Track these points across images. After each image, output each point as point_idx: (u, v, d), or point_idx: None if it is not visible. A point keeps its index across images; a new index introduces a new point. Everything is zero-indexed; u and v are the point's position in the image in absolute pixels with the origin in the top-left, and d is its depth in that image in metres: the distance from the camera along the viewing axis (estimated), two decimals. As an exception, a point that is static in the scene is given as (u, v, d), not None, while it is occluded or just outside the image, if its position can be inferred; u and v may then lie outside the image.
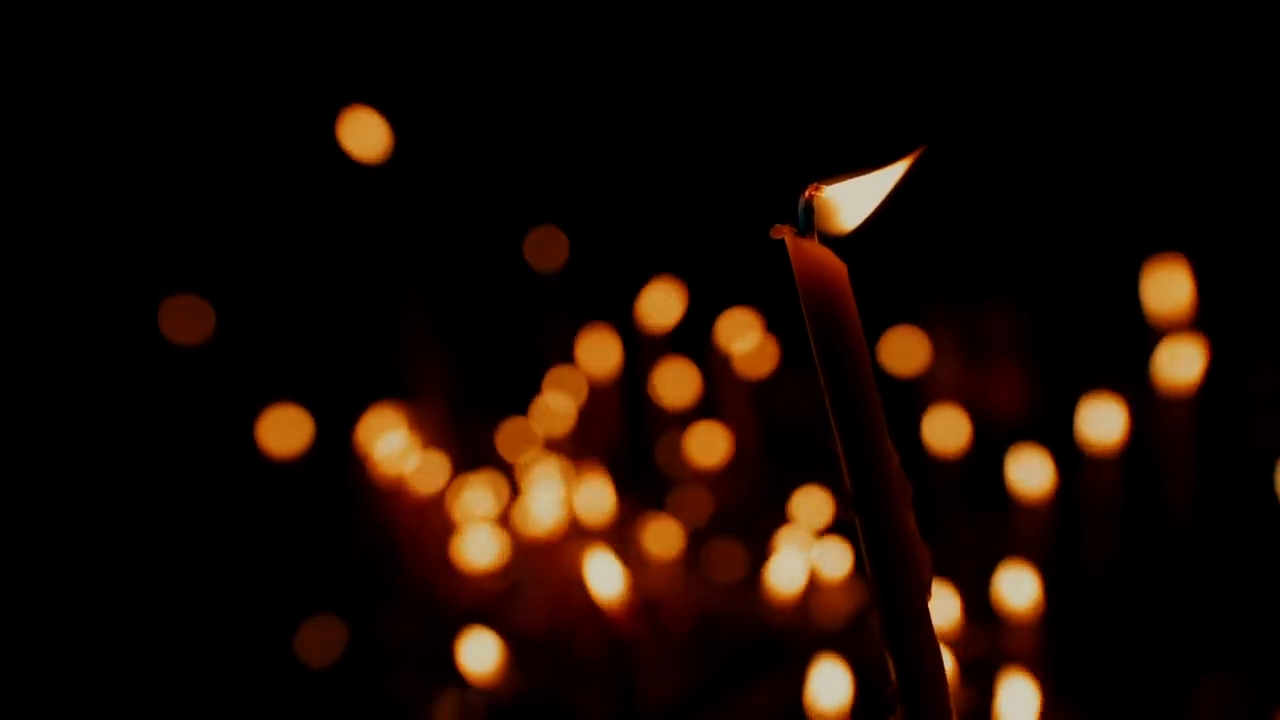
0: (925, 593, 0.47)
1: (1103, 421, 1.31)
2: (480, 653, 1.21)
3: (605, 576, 1.16)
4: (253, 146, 1.94)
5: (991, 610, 1.17)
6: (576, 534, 1.47)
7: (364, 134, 1.58)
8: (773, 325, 1.66)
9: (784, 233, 0.44)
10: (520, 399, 1.70)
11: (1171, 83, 1.78)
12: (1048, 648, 1.15)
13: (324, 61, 1.92)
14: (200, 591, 1.56)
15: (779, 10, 1.96)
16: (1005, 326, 1.75)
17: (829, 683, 1.03)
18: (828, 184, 0.45)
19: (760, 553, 1.37)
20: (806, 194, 0.44)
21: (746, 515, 1.54)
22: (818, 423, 0.48)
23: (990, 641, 1.17)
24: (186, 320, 1.69)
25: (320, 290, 1.96)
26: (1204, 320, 1.38)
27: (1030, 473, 1.29)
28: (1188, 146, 1.77)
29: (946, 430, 1.42)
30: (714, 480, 1.60)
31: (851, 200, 0.45)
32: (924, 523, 0.47)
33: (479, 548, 1.42)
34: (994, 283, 1.80)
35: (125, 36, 1.88)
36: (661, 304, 1.69)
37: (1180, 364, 1.35)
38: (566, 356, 1.70)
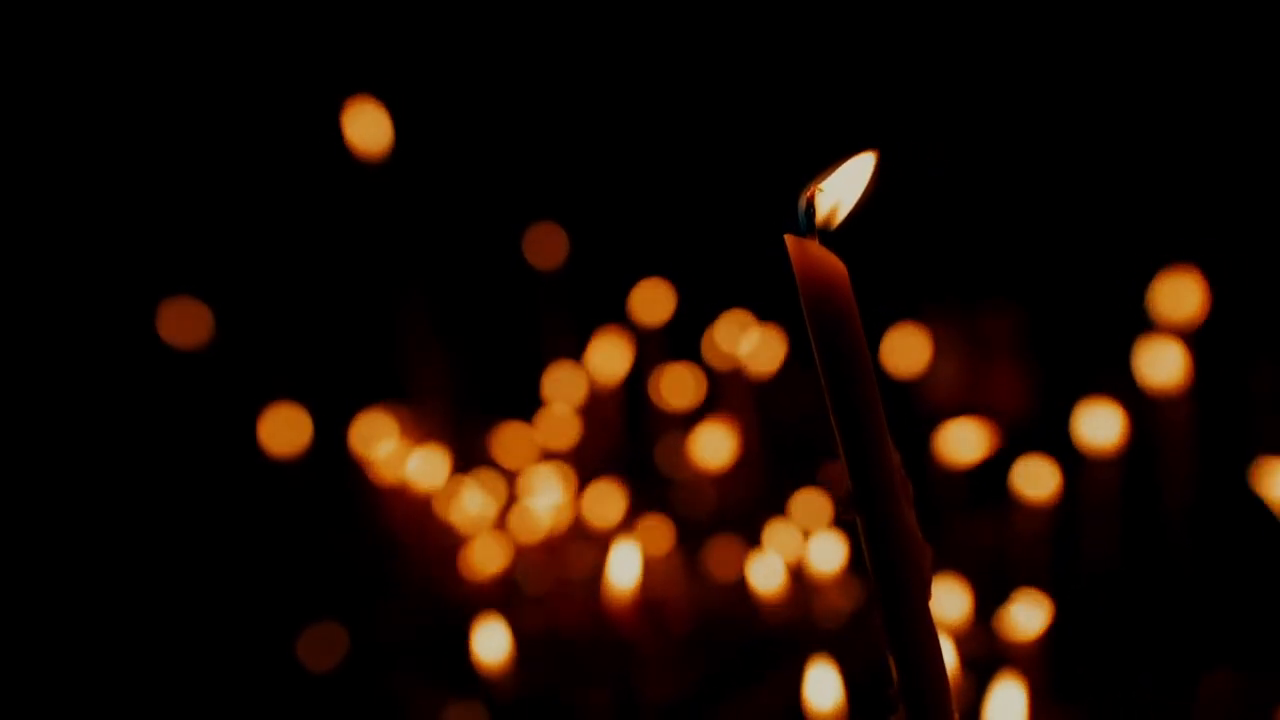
0: (926, 591, 0.47)
1: (1103, 423, 1.31)
2: (491, 644, 1.21)
3: (625, 568, 1.16)
4: (250, 149, 1.94)
5: (992, 610, 1.17)
6: (577, 535, 1.48)
7: (366, 130, 1.58)
8: (775, 322, 1.66)
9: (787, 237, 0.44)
10: (520, 399, 1.70)
11: (1170, 83, 1.78)
12: (1048, 647, 1.15)
13: (322, 62, 1.92)
14: (201, 594, 1.56)
15: (777, 11, 1.96)
16: (1005, 327, 1.75)
17: (828, 683, 1.03)
18: (821, 179, 0.45)
19: (761, 552, 1.37)
20: (807, 194, 0.44)
21: (747, 515, 1.54)
22: (819, 422, 0.48)
23: (991, 641, 1.17)
24: (184, 323, 1.69)
25: (319, 291, 1.96)
26: (1204, 320, 1.39)
27: (1032, 474, 1.29)
28: (1187, 148, 1.77)
29: (955, 442, 1.42)
30: (714, 480, 1.60)
31: (833, 192, 0.45)
32: (925, 522, 0.47)
33: (479, 549, 1.42)
34: (994, 283, 1.80)
35: (125, 36, 1.88)
36: (655, 301, 1.69)
37: (1174, 364, 1.35)
38: (567, 356, 1.70)
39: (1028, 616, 1.14)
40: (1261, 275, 1.66)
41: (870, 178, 0.45)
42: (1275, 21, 1.71)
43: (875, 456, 0.45)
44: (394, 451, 1.57)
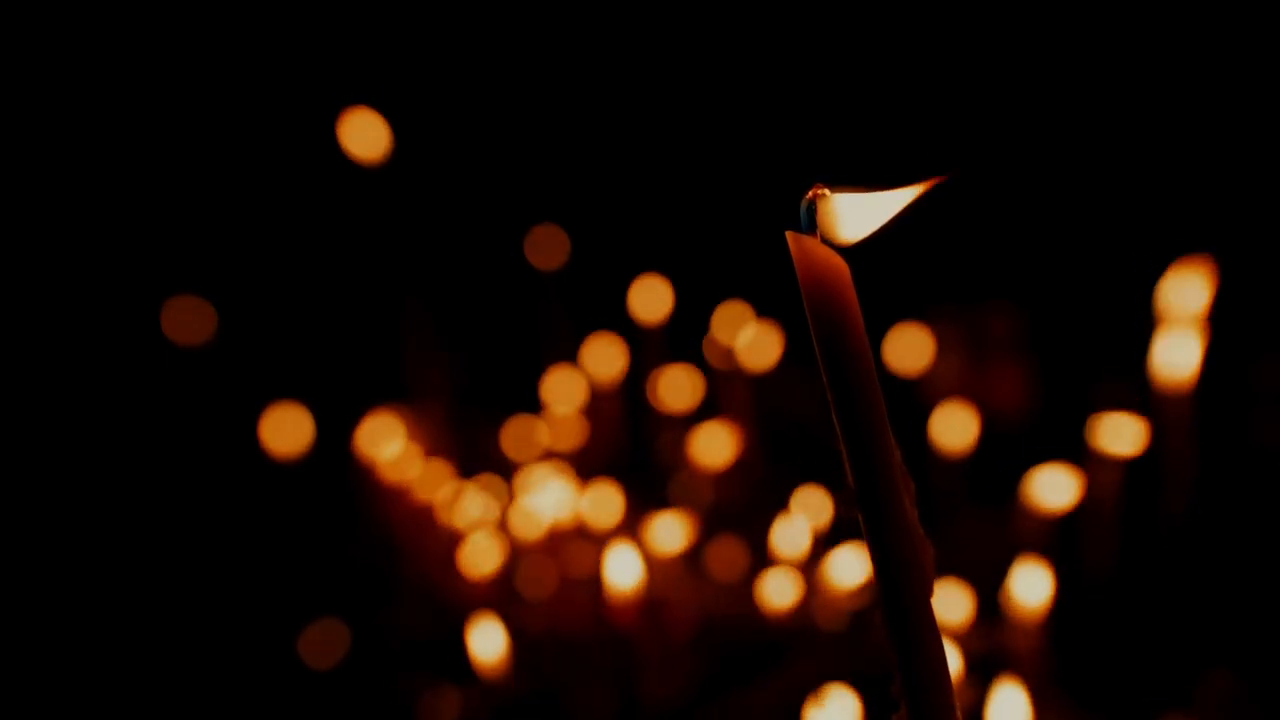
0: (928, 588, 0.47)
1: (1115, 428, 1.31)
2: (487, 643, 1.21)
3: (624, 570, 1.16)
4: (254, 148, 1.94)
5: (995, 607, 1.17)
6: (577, 534, 1.48)
7: (364, 134, 1.58)
8: (775, 320, 1.66)
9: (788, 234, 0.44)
10: (521, 398, 1.70)
11: (1170, 83, 1.78)
12: (1051, 645, 1.15)
13: (324, 62, 1.92)
14: (203, 592, 1.56)
15: (778, 12, 1.96)
16: (1007, 327, 1.75)
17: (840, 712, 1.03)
18: (835, 190, 0.45)
19: (762, 551, 1.37)
20: (810, 194, 0.45)
21: (749, 513, 1.54)
22: (822, 418, 0.48)
23: (994, 638, 1.17)
24: (188, 320, 1.70)
25: (321, 290, 1.96)
26: (1206, 316, 1.39)
27: (1041, 481, 1.29)
28: (1187, 147, 1.77)
29: (951, 429, 1.42)
30: (716, 479, 1.60)
31: (858, 213, 0.45)
32: (927, 520, 0.47)
33: (481, 548, 1.43)
34: (996, 284, 1.80)
35: (127, 37, 1.88)
36: (654, 300, 1.69)
37: (1178, 359, 1.35)
38: (568, 356, 1.71)
39: (1029, 614, 1.14)
40: (1260, 270, 1.66)
41: (902, 212, 0.45)
42: (1275, 20, 1.71)
43: (877, 453, 0.45)
44: (396, 451, 1.57)
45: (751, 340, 1.65)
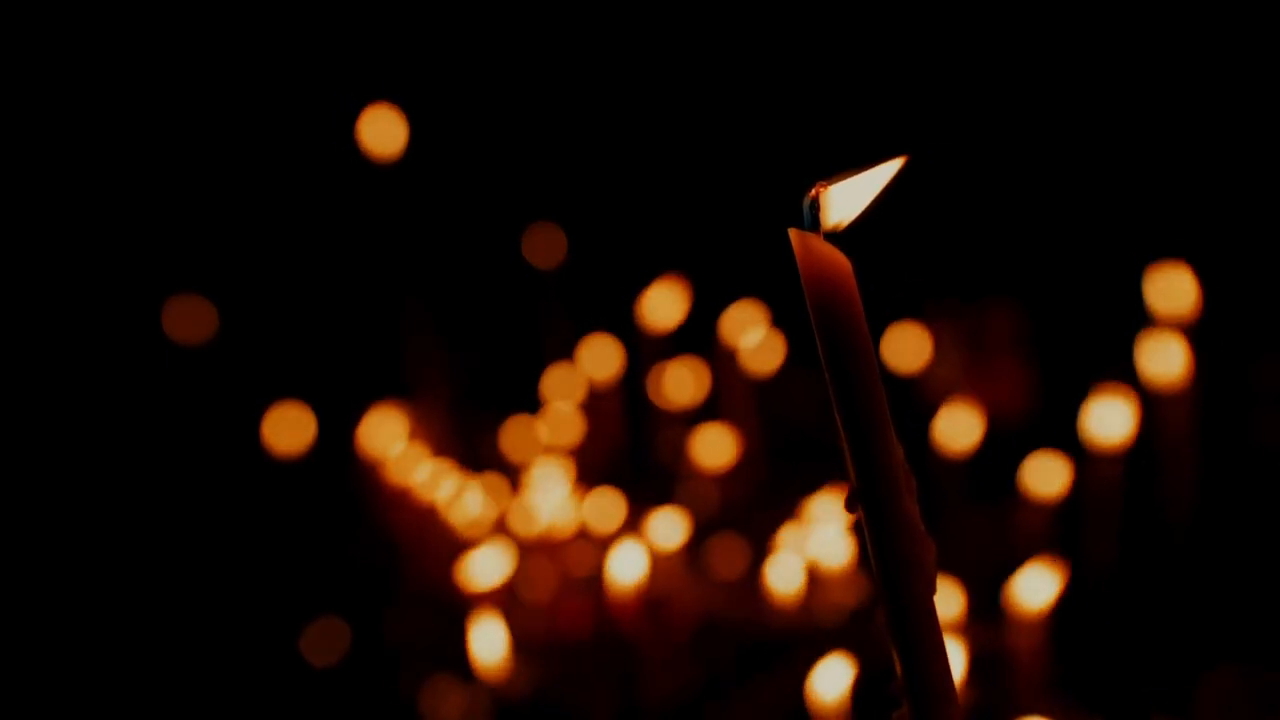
0: (930, 586, 0.47)
1: (1106, 419, 1.32)
2: (489, 642, 1.21)
3: (627, 567, 1.16)
4: (253, 147, 1.94)
5: (996, 605, 1.17)
6: (579, 534, 1.48)
7: (378, 131, 1.58)
8: (776, 321, 1.66)
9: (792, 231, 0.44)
10: (522, 398, 1.71)
11: (1171, 80, 1.79)
12: (1051, 644, 1.15)
13: (326, 64, 1.92)
14: (205, 590, 1.56)
15: (779, 8, 1.96)
16: (1007, 324, 1.75)
17: (832, 679, 1.03)
18: (831, 182, 0.45)
19: (764, 550, 1.37)
20: (812, 192, 0.45)
21: (750, 512, 1.54)
22: (822, 418, 0.48)
23: (996, 636, 1.17)
24: (189, 320, 1.70)
25: (322, 289, 1.96)
26: (1206, 317, 1.39)
27: (1037, 470, 1.29)
28: (1188, 145, 1.77)
29: (952, 427, 1.42)
30: (717, 477, 1.60)
31: (844, 198, 0.45)
32: (928, 518, 0.47)
33: (481, 547, 1.42)
34: (996, 281, 1.80)
35: (130, 35, 1.88)
36: (664, 303, 1.69)
37: (1175, 359, 1.35)
38: (569, 355, 1.71)
39: (1030, 614, 1.14)
40: (1261, 271, 1.66)
41: (884, 188, 0.46)
42: (1271, 19, 1.71)
43: (878, 451, 0.45)
44: (398, 450, 1.57)
45: (758, 338, 1.65)
